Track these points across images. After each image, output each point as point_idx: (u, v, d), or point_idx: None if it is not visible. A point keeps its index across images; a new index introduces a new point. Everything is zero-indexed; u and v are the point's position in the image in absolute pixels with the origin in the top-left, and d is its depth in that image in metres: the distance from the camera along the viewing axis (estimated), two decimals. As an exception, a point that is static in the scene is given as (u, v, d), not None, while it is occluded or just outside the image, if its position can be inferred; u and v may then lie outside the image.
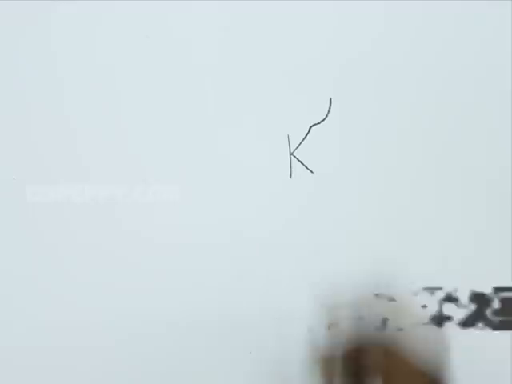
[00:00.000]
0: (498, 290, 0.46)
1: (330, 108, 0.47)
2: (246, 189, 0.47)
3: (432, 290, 0.46)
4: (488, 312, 0.46)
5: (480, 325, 0.46)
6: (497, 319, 0.46)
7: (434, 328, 0.46)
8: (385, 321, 0.46)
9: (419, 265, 0.46)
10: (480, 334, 0.45)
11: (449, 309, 0.46)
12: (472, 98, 0.50)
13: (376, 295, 0.45)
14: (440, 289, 0.46)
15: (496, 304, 0.46)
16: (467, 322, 0.46)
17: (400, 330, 0.46)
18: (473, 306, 0.46)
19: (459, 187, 0.49)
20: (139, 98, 0.48)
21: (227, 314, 0.46)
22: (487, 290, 0.46)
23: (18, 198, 0.46)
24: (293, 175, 0.47)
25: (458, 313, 0.46)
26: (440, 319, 0.46)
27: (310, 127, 0.47)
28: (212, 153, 0.48)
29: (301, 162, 0.47)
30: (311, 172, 0.47)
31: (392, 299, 0.45)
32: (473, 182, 0.49)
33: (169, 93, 0.48)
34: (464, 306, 0.46)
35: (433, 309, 0.46)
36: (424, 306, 0.46)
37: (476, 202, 0.48)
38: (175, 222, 0.47)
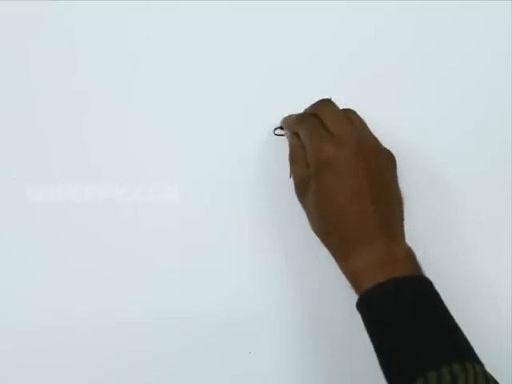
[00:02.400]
0: None
1: (329, 108, 0.47)
2: (245, 189, 0.48)
3: None
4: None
5: None
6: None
7: None
8: None
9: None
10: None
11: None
12: (472, 97, 0.50)
13: None
14: None
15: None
16: None
17: None
18: None
19: (460, 186, 0.49)
20: (139, 97, 0.48)
21: (227, 314, 0.46)
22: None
23: (18, 197, 0.46)
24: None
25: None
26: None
27: (310, 127, 0.47)
28: (212, 153, 0.48)
29: (301, 162, 0.47)
30: (311, 172, 0.47)
31: None
32: (474, 183, 0.49)
33: (169, 93, 0.48)
34: None
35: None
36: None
37: (479, 204, 0.49)
38: (175, 222, 0.47)
